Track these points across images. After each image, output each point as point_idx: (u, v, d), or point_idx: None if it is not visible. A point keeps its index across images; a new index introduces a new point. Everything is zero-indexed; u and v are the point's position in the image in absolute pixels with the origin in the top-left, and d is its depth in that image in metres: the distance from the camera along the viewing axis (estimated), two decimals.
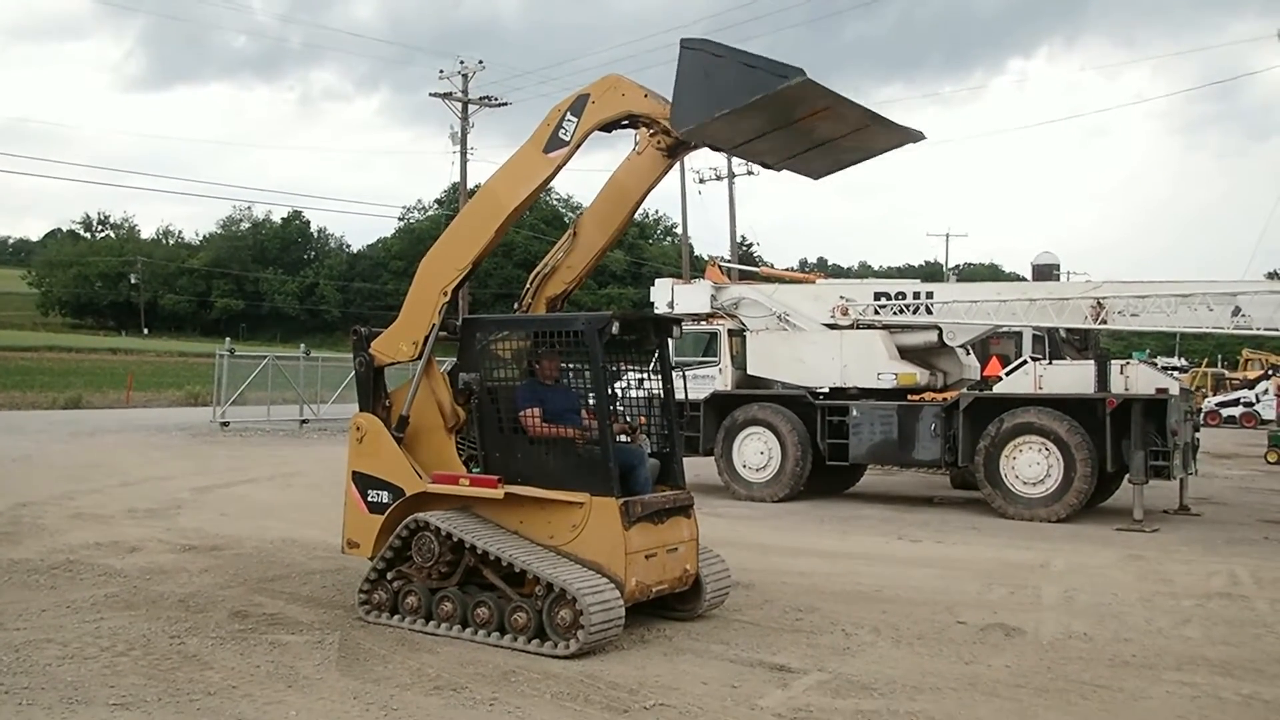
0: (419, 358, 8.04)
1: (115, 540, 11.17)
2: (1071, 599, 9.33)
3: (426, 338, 8.00)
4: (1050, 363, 15.84)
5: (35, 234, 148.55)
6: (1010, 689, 6.59)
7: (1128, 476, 14.23)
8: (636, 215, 9.41)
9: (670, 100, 7.39)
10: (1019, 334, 18.03)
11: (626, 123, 7.85)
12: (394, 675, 6.64)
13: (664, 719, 5.92)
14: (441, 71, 40.42)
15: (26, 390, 38.41)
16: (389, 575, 7.93)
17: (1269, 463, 24.21)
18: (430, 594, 7.70)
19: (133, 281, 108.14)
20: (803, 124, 7.38)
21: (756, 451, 16.26)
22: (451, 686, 6.42)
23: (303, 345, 33.77)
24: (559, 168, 7.75)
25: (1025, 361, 15.88)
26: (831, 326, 16.26)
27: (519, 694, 6.30)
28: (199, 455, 21.50)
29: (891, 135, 7.92)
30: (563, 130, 7.63)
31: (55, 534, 11.51)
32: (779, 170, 8.14)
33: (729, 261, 37.32)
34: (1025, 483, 14.38)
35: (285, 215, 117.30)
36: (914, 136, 7.97)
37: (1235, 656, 7.43)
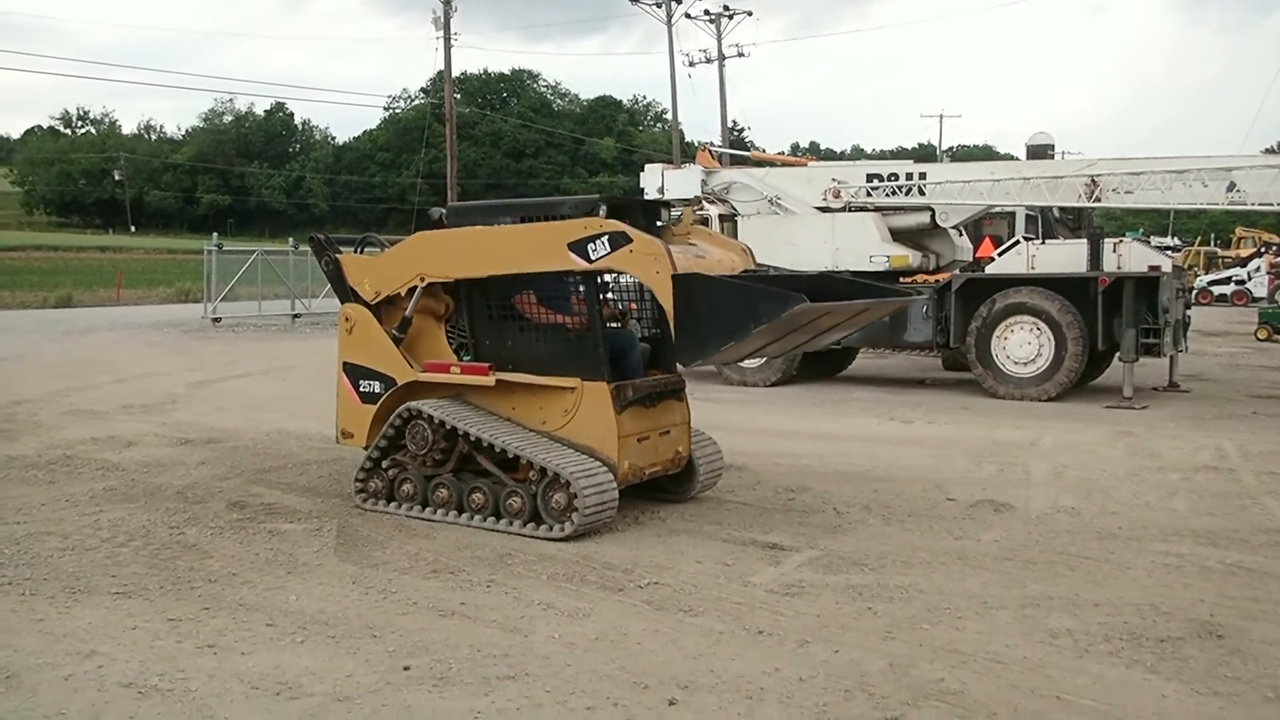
0: (375, 304, 8.04)
1: (112, 435, 11.22)
2: (1060, 475, 9.45)
3: (391, 298, 7.98)
4: (1043, 242, 15.77)
5: (16, 131, 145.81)
6: (998, 561, 6.71)
7: (1118, 355, 14.31)
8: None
9: None
10: (1012, 214, 17.88)
11: None
12: (392, 560, 6.74)
13: (659, 596, 6.02)
14: None
15: (15, 290, 38.09)
16: (384, 464, 7.99)
17: (1259, 340, 24.37)
18: (425, 481, 7.76)
19: (117, 178, 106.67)
20: (804, 328, 7.37)
21: None
22: (449, 569, 6.52)
23: (291, 239, 33.42)
24: (570, 271, 7.39)
25: (1018, 242, 15.81)
26: (823, 210, 16.11)
27: (515, 575, 6.40)
28: (192, 351, 21.48)
29: (885, 306, 8.45)
30: (592, 247, 7.18)
31: (52, 430, 11.56)
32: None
33: (720, 146, 36.79)
34: (1016, 362, 14.45)
35: (269, 108, 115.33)
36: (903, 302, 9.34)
37: (1220, 527, 7.56)
